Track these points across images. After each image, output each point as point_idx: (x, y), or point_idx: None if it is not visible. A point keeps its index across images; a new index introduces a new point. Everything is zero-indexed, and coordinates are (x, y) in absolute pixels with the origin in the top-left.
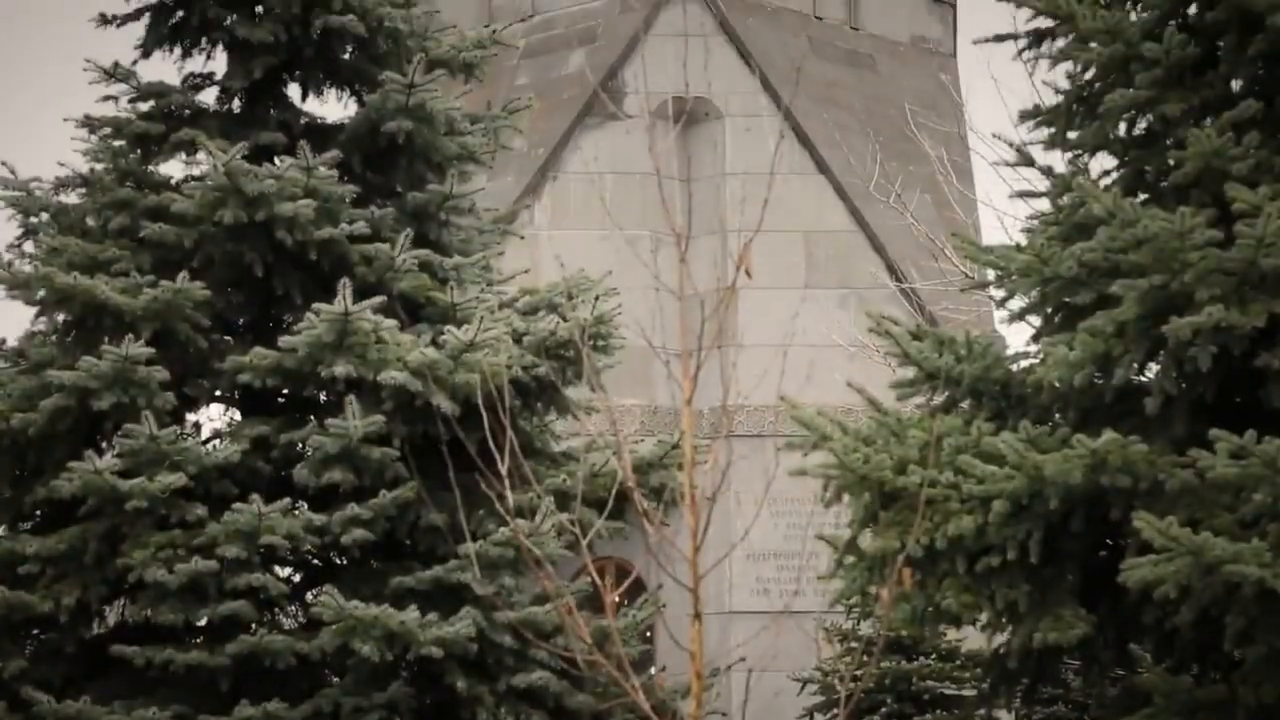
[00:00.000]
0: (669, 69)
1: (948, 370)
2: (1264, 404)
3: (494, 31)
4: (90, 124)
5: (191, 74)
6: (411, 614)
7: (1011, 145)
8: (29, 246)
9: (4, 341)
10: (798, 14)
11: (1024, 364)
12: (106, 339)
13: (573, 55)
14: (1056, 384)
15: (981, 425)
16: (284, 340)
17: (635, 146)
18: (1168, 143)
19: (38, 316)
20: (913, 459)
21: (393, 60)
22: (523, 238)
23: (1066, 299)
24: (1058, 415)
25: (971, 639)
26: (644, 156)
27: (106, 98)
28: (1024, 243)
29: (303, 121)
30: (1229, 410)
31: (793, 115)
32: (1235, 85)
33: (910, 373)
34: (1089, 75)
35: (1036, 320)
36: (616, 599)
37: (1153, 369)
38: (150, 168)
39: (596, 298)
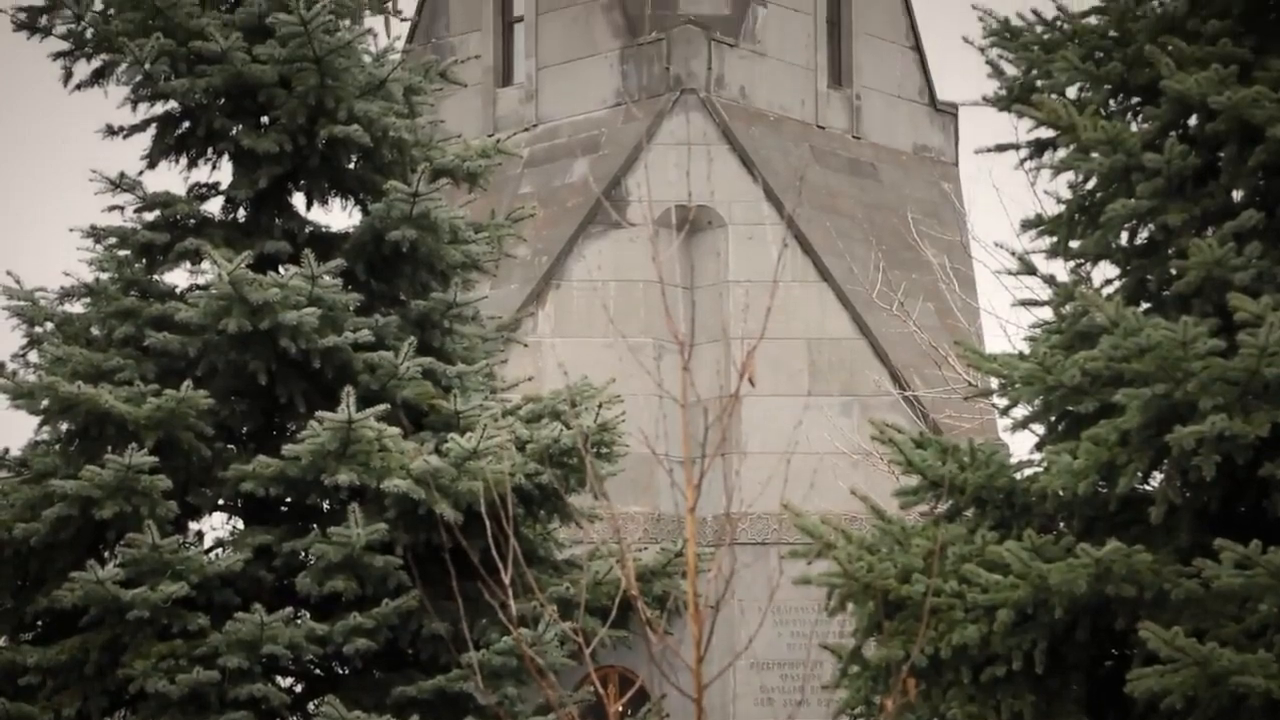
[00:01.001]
0: (672, 177)
1: (951, 478)
2: (1268, 514)
3: (498, 141)
4: (96, 234)
5: (197, 184)
6: None
7: (1014, 254)
8: (33, 356)
9: (7, 451)
10: (800, 123)
11: (1028, 472)
12: (110, 448)
13: (576, 164)
14: (1060, 493)
15: (986, 534)
16: (287, 449)
17: (638, 254)
18: (1169, 252)
19: (41, 426)
20: (917, 568)
21: (397, 169)
22: (526, 345)
23: (1070, 407)
24: (1062, 524)
25: None
26: (647, 264)
27: (112, 208)
28: (1027, 351)
29: (307, 230)
30: (1233, 520)
31: (795, 223)
32: (1236, 196)
33: (914, 481)
34: (1090, 185)
35: (1040, 428)
36: (620, 709)
37: (1156, 478)
38: (155, 277)
39: (600, 405)
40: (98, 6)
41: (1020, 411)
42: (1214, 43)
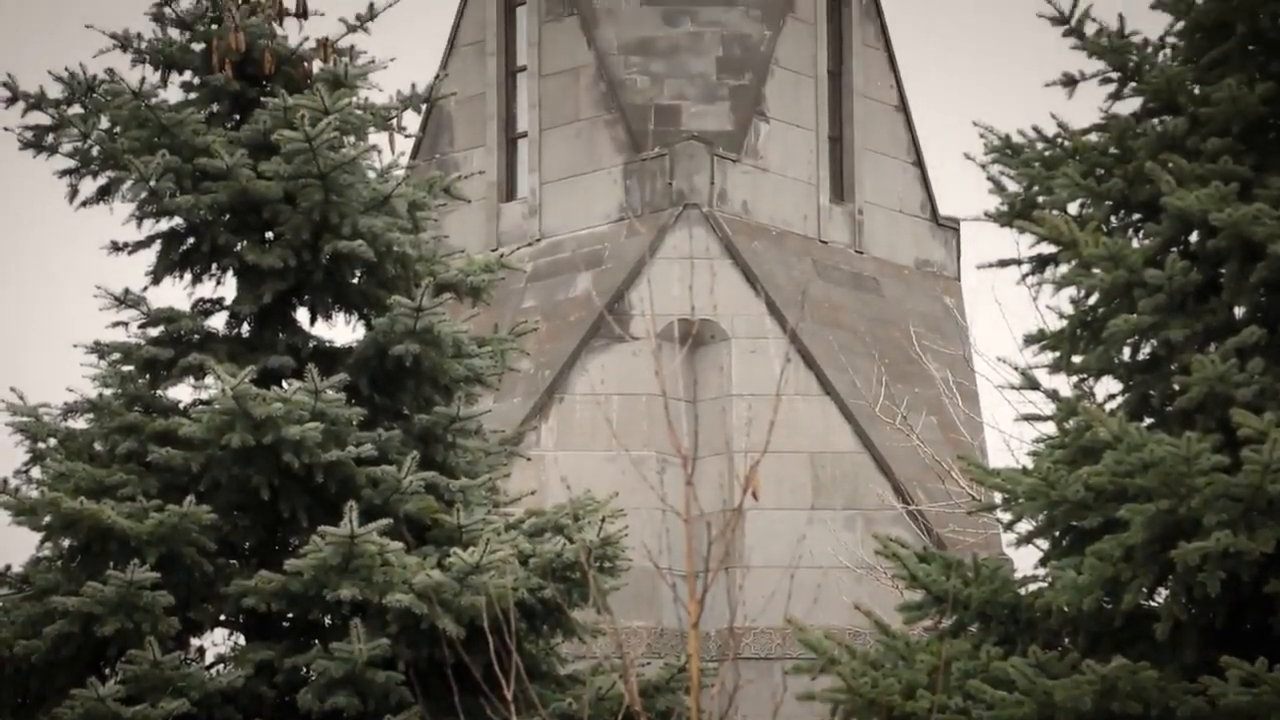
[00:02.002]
0: (675, 291)
1: (956, 593)
2: (1274, 630)
3: (501, 255)
4: (100, 349)
5: (201, 299)
6: None
7: (1016, 369)
8: (36, 472)
9: (9, 568)
10: (802, 237)
11: (1032, 588)
12: (112, 564)
13: (579, 278)
14: (1065, 608)
15: (990, 649)
16: (289, 564)
17: (641, 368)
18: (1172, 368)
19: (43, 542)
20: (921, 683)
21: (401, 284)
22: (529, 459)
23: (1074, 522)
24: (1067, 640)
25: None
26: (650, 378)
27: (117, 323)
28: (1030, 466)
29: (311, 345)
30: (1239, 637)
31: (798, 337)
32: (1238, 312)
33: (918, 596)
34: (1092, 300)
35: (1044, 543)
36: None
37: (1161, 594)
38: (158, 392)
39: (603, 519)
40: (104, 124)
41: (1024, 526)
42: (1214, 160)
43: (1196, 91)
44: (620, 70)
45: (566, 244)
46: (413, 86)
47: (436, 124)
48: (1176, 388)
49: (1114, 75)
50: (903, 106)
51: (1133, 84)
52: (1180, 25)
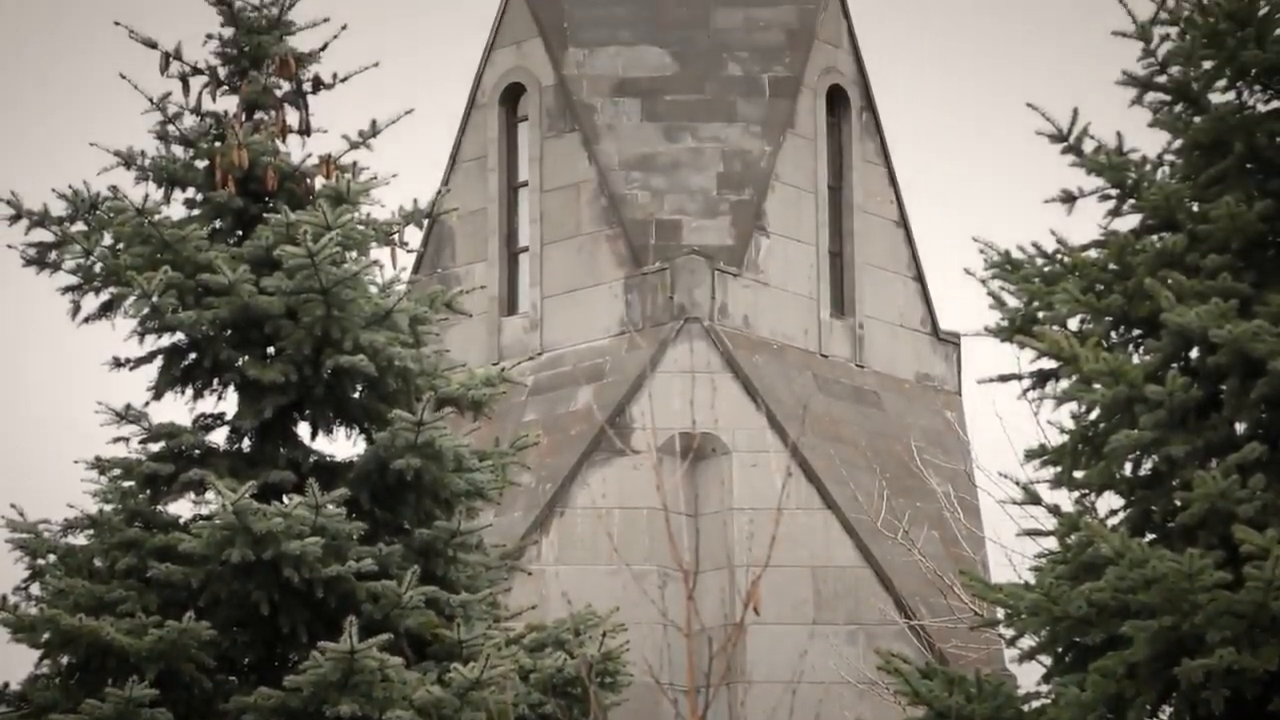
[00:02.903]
0: (675, 405)
1: (958, 710)
2: None
3: (502, 369)
4: (100, 465)
5: (202, 414)
6: None
7: (1018, 483)
8: (35, 588)
9: (7, 685)
10: (803, 351)
11: (1036, 704)
12: (110, 681)
13: (580, 392)
14: None
15: None
16: (289, 679)
17: (642, 482)
18: (1174, 484)
19: (41, 660)
20: None
21: (402, 398)
22: (530, 573)
23: (1077, 639)
24: None
25: None
26: (651, 492)
27: (118, 439)
28: (1033, 581)
29: (312, 459)
30: None
31: (799, 451)
32: (1239, 428)
33: (920, 712)
34: (1093, 416)
35: (1047, 659)
36: None
37: (1166, 711)
38: (159, 507)
39: (604, 634)
40: (107, 241)
41: (1027, 642)
42: (1213, 277)
43: (1195, 209)
44: (621, 185)
45: (567, 358)
46: (415, 202)
47: (438, 239)
48: (1178, 503)
49: (1113, 192)
50: (903, 222)
51: (1131, 201)
52: (1178, 143)
